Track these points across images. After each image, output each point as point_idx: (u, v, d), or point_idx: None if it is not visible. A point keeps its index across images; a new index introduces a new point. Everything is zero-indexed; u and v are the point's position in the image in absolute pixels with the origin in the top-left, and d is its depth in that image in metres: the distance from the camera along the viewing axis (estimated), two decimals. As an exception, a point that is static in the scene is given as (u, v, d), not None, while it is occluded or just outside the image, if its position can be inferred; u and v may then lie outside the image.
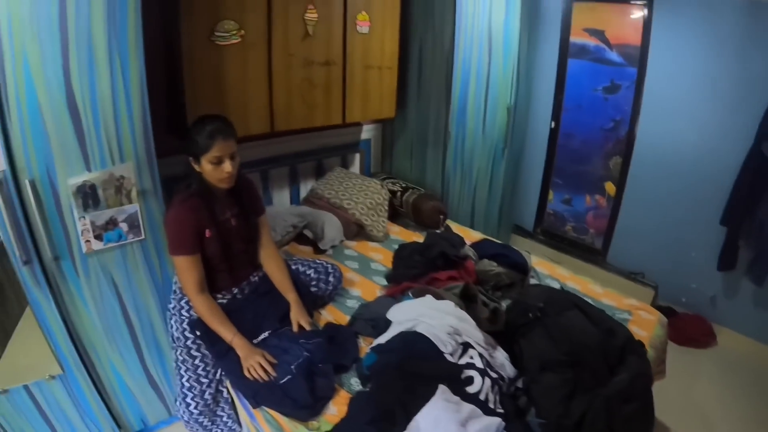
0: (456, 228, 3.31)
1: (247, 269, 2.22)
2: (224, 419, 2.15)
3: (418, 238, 3.05)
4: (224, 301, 2.11)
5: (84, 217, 1.90)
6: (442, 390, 1.62)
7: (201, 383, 2.04)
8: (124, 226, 2.01)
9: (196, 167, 1.91)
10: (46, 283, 1.88)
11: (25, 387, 1.98)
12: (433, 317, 1.92)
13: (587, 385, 1.70)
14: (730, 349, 3.34)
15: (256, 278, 2.24)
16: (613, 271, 3.87)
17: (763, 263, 3.12)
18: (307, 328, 2.09)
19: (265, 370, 1.86)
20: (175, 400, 2.13)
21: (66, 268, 1.93)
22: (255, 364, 1.86)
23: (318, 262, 2.48)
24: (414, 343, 1.82)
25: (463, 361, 1.79)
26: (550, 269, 2.89)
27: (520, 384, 1.83)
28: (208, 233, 1.96)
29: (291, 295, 2.17)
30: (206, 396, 2.06)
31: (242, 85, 2.53)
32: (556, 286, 2.58)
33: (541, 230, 4.49)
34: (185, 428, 2.15)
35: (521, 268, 2.62)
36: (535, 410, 1.70)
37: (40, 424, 2.08)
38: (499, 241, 3.04)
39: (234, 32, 2.42)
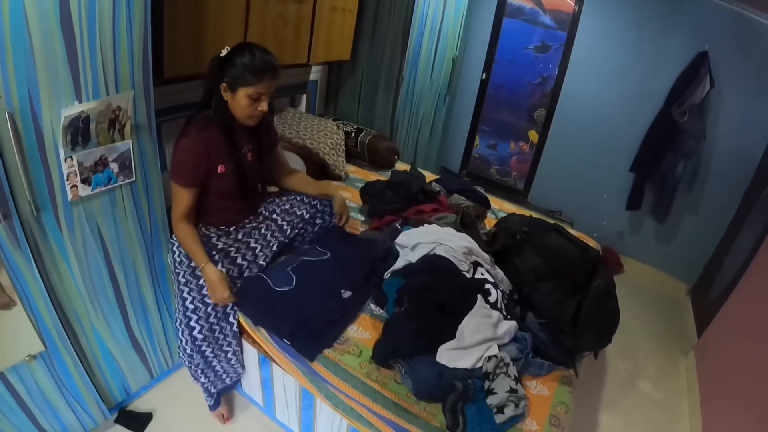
0: (405, 168, 3.16)
1: (252, 209, 2.01)
2: (228, 355, 1.85)
3: (377, 176, 2.96)
4: (215, 235, 1.88)
5: (71, 158, 1.45)
6: (480, 299, 1.70)
7: (206, 304, 1.73)
8: (114, 167, 1.58)
9: (226, 96, 1.64)
10: (26, 243, 1.42)
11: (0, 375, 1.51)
12: (450, 240, 1.93)
13: (571, 291, 1.87)
14: (636, 275, 3.71)
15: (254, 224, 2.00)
16: (533, 209, 3.88)
17: (664, 205, 3.48)
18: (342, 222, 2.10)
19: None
20: (177, 330, 1.78)
21: (47, 222, 1.47)
22: (219, 300, 1.69)
23: (309, 198, 2.10)
24: (439, 263, 1.82)
25: (476, 277, 1.85)
26: (498, 204, 2.96)
27: (515, 296, 1.94)
28: (221, 169, 1.73)
29: (323, 186, 2.10)
30: (212, 319, 1.75)
31: (221, 17, 2.06)
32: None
33: (466, 173, 4.48)
34: (186, 365, 1.82)
35: (484, 202, 2.73)
36: (534, 314, 1.84)
37: (17, 415, 1.60)
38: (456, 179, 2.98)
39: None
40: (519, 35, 3.87)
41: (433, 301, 1.68)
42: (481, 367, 1.56)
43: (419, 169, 2.96)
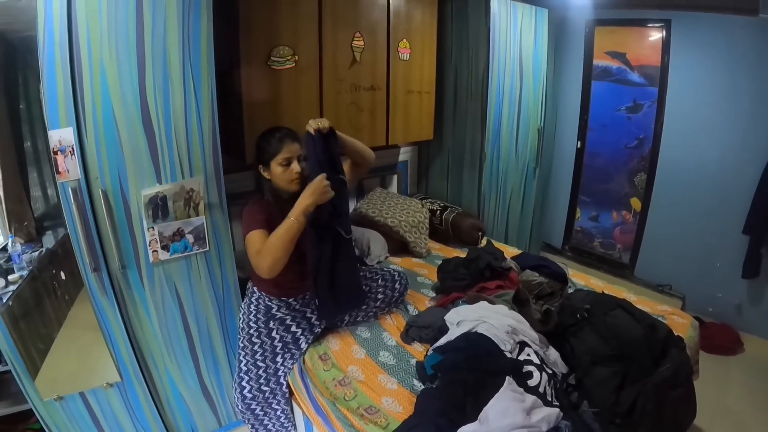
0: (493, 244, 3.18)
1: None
2: (278, 413, 2.09)
3: (459, 253, 2.96)
4: (276, 306, 2.06)
5: (152, 228, 1.83)
6: (509, 381, 1.59)
7: (258, 367, 2.01)
8: (190, 238, 1.94)
9: (266, 174, 1.90)
10: (112, 291, 1.80)
11: (81, 394, 1.88)
12: (493, 318, 1.88)
13: (635, 377, 1.71)
14: (757, 355, 3.17)
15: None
16: (641, 284, 3.73)
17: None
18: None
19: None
20: (233, 389, 2.05)
21: (132, 277, 1.85)
22: (323, 191, 1.75)
23: (386, 269, 2.40)
24: (477, 342, 1.78)
25: (521, 358, 1.77)
26: (585, 280, 2.78)
27: (572, 380, 1.81)
28: None
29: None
30: (261, 381, 2.01)
31: (295, 108, 2.46)
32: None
33: (569, 247, 4.34)
34: (240, 418, 2.07)
35: (561, 278, 2.53)
36: (588, 401, 1.70)
37: (90, 430, 1.95)
38: (537, 255, 2.91)
39: (289, 57, 2.38)
40: (609, 97, 3.80)
41: (461, 380, 1.66)
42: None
43: (498, 244, 2.97)
